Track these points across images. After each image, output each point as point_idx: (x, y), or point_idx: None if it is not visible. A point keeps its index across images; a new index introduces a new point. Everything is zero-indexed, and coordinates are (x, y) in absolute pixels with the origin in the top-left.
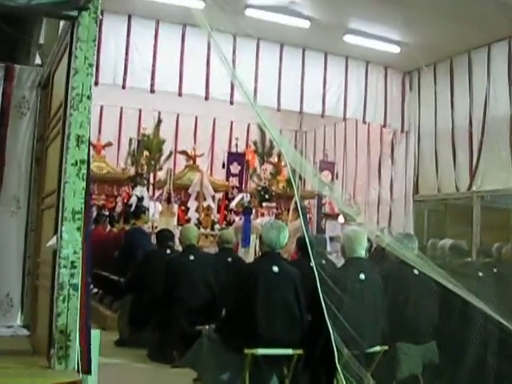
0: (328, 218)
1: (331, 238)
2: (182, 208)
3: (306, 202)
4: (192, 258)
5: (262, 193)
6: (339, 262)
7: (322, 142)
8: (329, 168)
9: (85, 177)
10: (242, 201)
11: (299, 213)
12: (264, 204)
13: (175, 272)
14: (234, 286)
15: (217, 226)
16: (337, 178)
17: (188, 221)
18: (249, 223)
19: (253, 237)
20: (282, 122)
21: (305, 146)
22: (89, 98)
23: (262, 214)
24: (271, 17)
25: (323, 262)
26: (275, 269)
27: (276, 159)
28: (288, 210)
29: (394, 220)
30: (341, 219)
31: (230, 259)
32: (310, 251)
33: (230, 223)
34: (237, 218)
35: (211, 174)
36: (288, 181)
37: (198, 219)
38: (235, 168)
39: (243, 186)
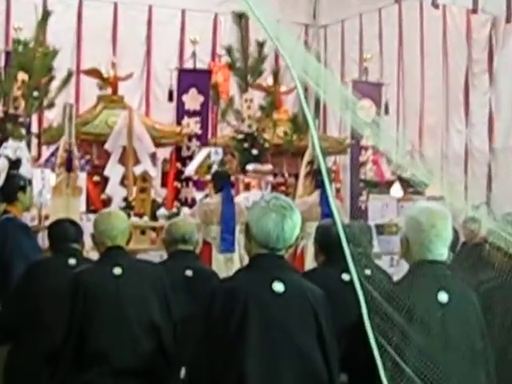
0: (372, 191)
1: (379, 228)
2: (95, 179)
3: (329, 161)
4: (118, 272)
5: (246, 145)
6: (397, 270)
7: (356, 46)
8: (371, 94)
9: None
10: (208, 161)
11: (317, 181)
12: (250, 166)
13: (87, 300)
14: (200, 325)
15: (162, 212)
16: (387, 111)
17: (107, 203)
18: (228, 203)
19: (238, 228)
20: (281, 11)
21: (324, 51)
22: None
23: (247, 186)
24: None
25: (367, 272)
26: (277, 287)
27: (270, 80)
28: (295, 177)
29: (496, 189)
30: (396, 191)
31: (189, 272)
32: (342, 252)
33: (187, 204)
34: (200, 195)
35: (147, 114)
36: (293, 121)
37: (125, 200)
38: (193, 100)
39: (209, 133)
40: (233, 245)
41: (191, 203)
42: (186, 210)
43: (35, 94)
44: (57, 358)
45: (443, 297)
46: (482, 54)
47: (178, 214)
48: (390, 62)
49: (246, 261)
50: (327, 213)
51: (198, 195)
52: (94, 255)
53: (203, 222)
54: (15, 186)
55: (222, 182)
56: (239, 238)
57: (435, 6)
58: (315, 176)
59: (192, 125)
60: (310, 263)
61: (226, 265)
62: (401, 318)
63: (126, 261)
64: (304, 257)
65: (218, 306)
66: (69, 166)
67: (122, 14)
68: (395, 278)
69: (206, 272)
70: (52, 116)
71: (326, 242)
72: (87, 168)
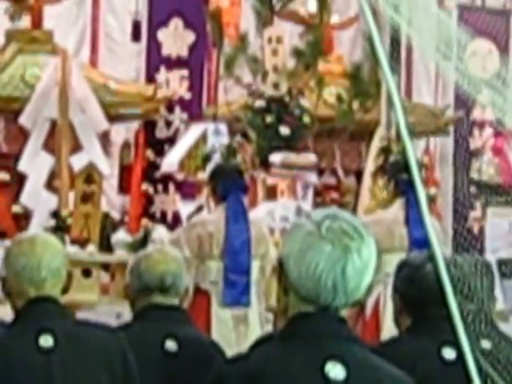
0: (492, 200)
1: (505, 267)
2: (1, 178)
3: (418, 148)
4: (47, 343)
5: (271, 120)
6: None
7: None
8: (492, 28)
9: None
10: (203, 148)
11: (399, 183)
12: (277, 157)
13: None
14: None
15: (121, 237)
16: None
17: (22, 220)
18: (238, 222)
19: (255, 265)
20: None
21: None
22: None
23: (272, 192)
24: None
25: (486, 344)
26: (335, 372)
27: (312, 4)
28: (357, 175)
29: None
30: None
31: (171, 344)
32: (442, 311)
33: (165, 223)
34: (188, 207)
35: (95, 63)
36: (354, 77)
37: (55, 215)
38: (176, 39)
39: (204, 98)
40: (246, 293)
41: (173, 221)
42: (163, 233)
43: None
44: None
45: None
46: None
47: (146, 240)
48: None
49: (271, 323)
50: (419, 239)
51: (186, 208)
52: (5, 313)
53: (195, 256)
54: None
55: (228, 185)
56: (258, 281)
57: None
58: (394, 174)
59: (174, 82)
60: (388, 328)
61: (237, 330)
62: None
63: (61, 324)
64: (379, 317)
65: None
66: None
67: None
68: None
69: (200, 343)
70: None
71: (416, 293)
72: None
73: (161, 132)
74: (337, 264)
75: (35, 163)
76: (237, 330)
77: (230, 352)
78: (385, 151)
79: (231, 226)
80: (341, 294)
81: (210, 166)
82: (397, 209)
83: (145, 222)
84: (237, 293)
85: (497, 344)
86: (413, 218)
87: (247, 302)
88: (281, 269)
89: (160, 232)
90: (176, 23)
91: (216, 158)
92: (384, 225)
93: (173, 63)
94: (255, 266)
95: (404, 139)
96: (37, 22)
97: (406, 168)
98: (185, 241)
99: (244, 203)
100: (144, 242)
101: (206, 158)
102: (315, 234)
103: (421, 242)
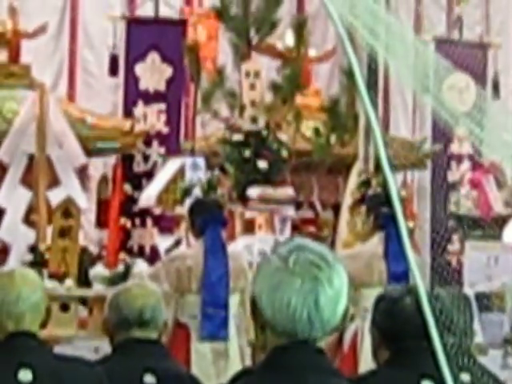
0: (470, 234)
1: (483, 301)
2: None
3: (396, 183)
4: (26, 378)
5: (248, 154)
6: None
7: None
8: (469, 62)
9: None
10: (181, 182)
11: (378, 216)
12: (255, 191)
13: None
14: None
15: (99, 272)
16: (497, 92)
17: (1, 254)
18: (217, 256)
19: (235, 299)
20: None
21: None
22: None
23: (250, 226)
24: None
25: (465, 378)
26: None
27: (290, 38)
28: (335, 209)
29: None
30: None
31: (150, 379)
32: (421, 345)
33: (144, 257)
34: (166, 242)
35: (72, 98)
36: (331, 110)
37: (32, 249)
38: (154, 74)
39: (182, 132)
40: (224, 327)
41: (151, 256)
42: (143, 267)
43: None
44: None
45: None
46: None
47: (127, 274)
48: (500, 7)
49: (250, 358)
50: (398, 273)
51: (163, 242)
52: None
53: (175, 290)
54: None
55: (207, 219)
56: (239, 314)
57: None
58: (373, 208)
59: (152, 116)
60: (365, 361)
61: (216, 364)
62: None
63: (41, 358)
64: (356, 351)
65: None
66: None
67: None
68: None
69: (179, 378)
70: None
71: (394, 326)
72: None
73: (138, 166)
74: (309, 297)
75: (13, 198)
76: (216, 364)
77: None
78: (364, 185)
79: (209, 260)
80: (317, 325)
81: (189, 201)
82: (376, 243)
83: (123, 256)
84: (214, 326)
85: (476, 377)
86: (392, 252)
87: (225, 336)
88: (254, 307)
89: (140, 266)
90: (153, 57)
91: (195, 193)
92: (363, 259)
93: (150, 97)
94: (235, 299)
95: (385, 172)
96: (14, 57)
97: (386, 201)
98: (164, 275)
99: (222, 237)
100: (124, 276)
101: (185, 192)
102: (283, 269)
103: (400, 276)
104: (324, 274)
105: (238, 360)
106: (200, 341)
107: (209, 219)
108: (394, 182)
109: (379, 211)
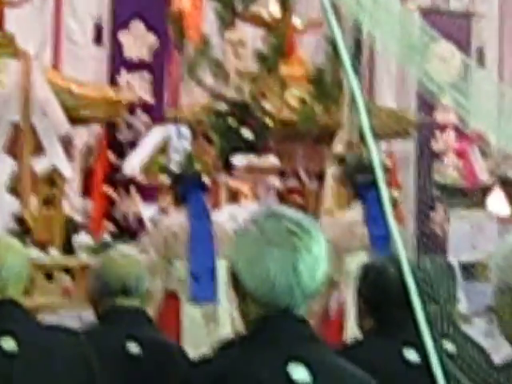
0: (455, 204)
1: (468, 270)
2: None
3: (381, 152)
4: (10, 346)
5: (233, 123)
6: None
7: None
8: (454, 31)
9: None
10: (166, 150)
11: (359, 186)
12: (240, 160)
13: None
14: None
15: (83, 241)
16: (482, 62)
17: None
18: (201, 221)
19: (223, 265)
20: None
21: None
22: None
23: (235, 195)
24: None
25: (448, 346)
26: (299, 374)
27: (275, 7)
28: (319, 178)
29: None
30: (498, 205)
31: (134, 347)
32: (405, 313)
33: (128, 227)
34: (150, 211)
35: (57, 66)
36: (317, 80)
37: (17, 218)
38: (137, 42)
39: (166, 101)
40: (212, 289)
41: (134, 224)
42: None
43: None
44: None
45: None
46: None
47: (111, 243)
48: None
49: (240, 323)
50: (379, 236)
51: (148, 210)
52: None
53: (163, 257)
54: None
55: (187, 187)
56: (226, 281)
57: None
58: (351, 176)
59: (136, 85)
60: (351, 328)
61: (208, 327)
62: None
63: (25, 327)
64: (342, 317)
65: None
66: None
67: None
68: (496, 358)
69: (163, 346)
70: None
71: (380, 296)
72: None
73: (122, 135)
74: (287, 265)
75: None
76: (207, 328)
77: (202, 350)
78: (347, 154)
79: (194, 225)
80: (297, 293)
81: (172, 170)
82: (356, 210)
83: (107, 225)
84: (202, 288)
85: (460, 346)
86: (372, 217)
87: (214, 298)
88: (234, 278)
89: (126, 252)
90: (137, 26)
91: (177, 162)
92: (343, 226)
93: (134, 66)
94: (222, 265)
95: (368, 141)
96: None
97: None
98: (150, 245)
99: (205, 202)
100: (108, 245)
101: (168, 162)
102: (261, 239)
103: (382, 239)
104: (302, 242)
105: (228, 324)
106: (189, 303)
107: (189, 187)
108: (376, 150)
109: (357, 179)
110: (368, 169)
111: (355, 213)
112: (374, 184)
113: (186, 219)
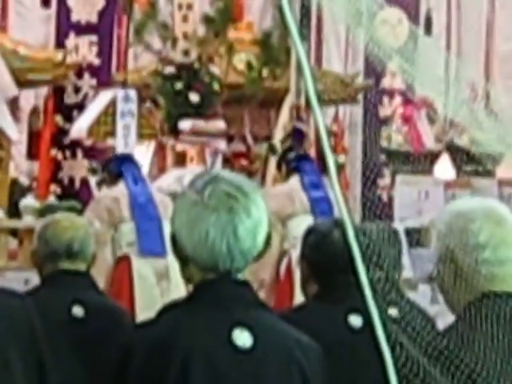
0: (401, 168)
1: (413, 236)
2: None
3: (327, 116)
4: None
5: (180, 86)
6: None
7: None
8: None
9: None
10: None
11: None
12: (186, 124)
13: None
14: None
15: (29, 203)
16: (429, 29)
17: None
18: (138, 186)
19: (166, 225)
20: None
21: None
22: None
23: (182, 159)
24: None
25: (393, 312)
26: (243, 339)
27: None
28: (267, 140)
29: None
30: (443, 169)
31: (78, 310)
32: (349, 278)
33: (73, 190)
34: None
35: (4, 29)
36: (264, 44)
37: None
38: (85, 4)
39: (113, 64)
40: (160, 241)
41: (80, 188)
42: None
43: None
44: None
45: None
46: None
47: (57, 206)
48: None
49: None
50: (317, 198)
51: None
52: None
53: (109, 226)
54: None
55: (119, 163)
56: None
57: None
58: (298, 143)
59: (83, 48)
60: (299, 296)
61: (160, 286)
62: None
63: None
64: (292, 282)
65: (137, 372)
66: None
67: None
68: (441, 324)
69: (107, 309)
70: None
71: (323, 260)
72: None
73: (70, 98)
74: (227, 228)
75: None
76: (159, 286)
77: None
78: (294, 119)
79: (133, 189)
80: (237, 256)
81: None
82: (294, 180)
83: (53, 187)
84: (151, 242)
85: (404, 311)
86: (309, 182)
87: (163, 252)
88: (175, 242)
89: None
90: None
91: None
92: (283, 193)
93: (82, 29)
94: (167, 225)
95: (313, 106)
96: None
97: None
98: (94, 216)
99: (141, 174)
100: (54, 208)
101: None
102: (199, 203)
103: (321, 201)
104: (240, 205)
105: (180, 283)
106: (139, 257)
107: (121, 162)
108: (321, 115)
109: (289, 156)
110: (297, 147)
111: (293, 182)
112: (306, 156)
113: (125, 187)
